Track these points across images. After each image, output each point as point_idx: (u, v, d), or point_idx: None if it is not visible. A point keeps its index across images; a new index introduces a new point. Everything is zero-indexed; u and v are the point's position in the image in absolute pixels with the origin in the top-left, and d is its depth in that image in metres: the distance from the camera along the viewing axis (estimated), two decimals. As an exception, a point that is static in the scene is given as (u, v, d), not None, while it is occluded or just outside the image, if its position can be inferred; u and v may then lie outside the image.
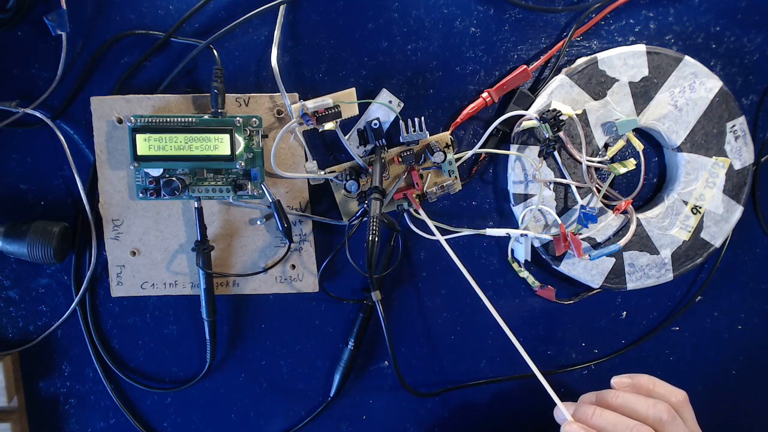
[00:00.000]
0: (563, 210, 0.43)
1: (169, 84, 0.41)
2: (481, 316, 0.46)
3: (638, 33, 0.43)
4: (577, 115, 0.41)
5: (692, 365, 0.49)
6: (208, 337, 0.43)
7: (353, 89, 0.41)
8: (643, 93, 0.42)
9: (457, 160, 0.42)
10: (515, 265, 0.45)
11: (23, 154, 0.42)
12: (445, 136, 0.42)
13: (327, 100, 0.39)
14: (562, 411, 0.39)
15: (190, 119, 0.38)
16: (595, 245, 0.44)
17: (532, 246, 0.44)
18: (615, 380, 0.39)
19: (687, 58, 0.42)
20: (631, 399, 0.37)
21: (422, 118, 0.40)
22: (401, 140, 0.40)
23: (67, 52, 0.40)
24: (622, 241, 0.42)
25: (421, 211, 0.42)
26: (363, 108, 0.42)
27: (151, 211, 0.42)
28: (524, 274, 0.45)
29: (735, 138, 0.43)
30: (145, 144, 0.38)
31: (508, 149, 0.43)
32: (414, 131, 0.40)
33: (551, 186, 0.43)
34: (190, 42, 0.41)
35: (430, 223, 0.42)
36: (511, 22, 0.42)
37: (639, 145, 0.42)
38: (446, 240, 0.44)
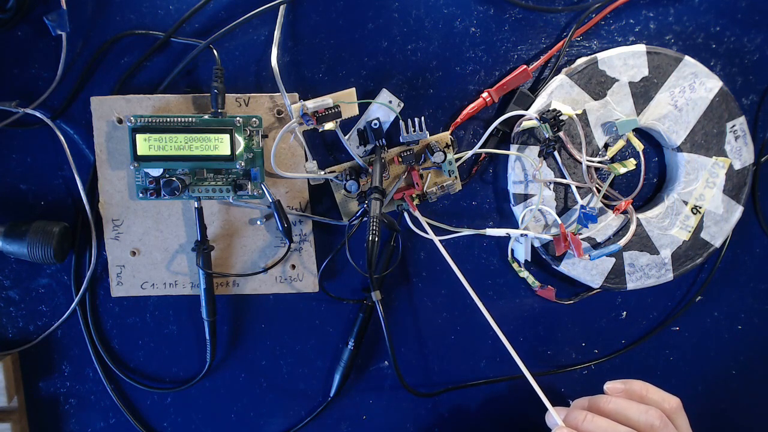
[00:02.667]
0: (563, 210, 0.43)
1: (169, 84, 0.41)
2: (481, 316, 0.46)
3: (638, 33, 0.43)
4: (577, 115, 0.41)
5: (692, 365, 0.49)
6: (208, 337, 0.43)
7: (353, 89, 0.41)
8: (643, 93, 0.42)
9: (457, 160, 0.42)
10: (515, 265, 0.45)
11: (23, 154, 0.42)
12: (445, 136, 0.42)
13: (327, 100, 0.39)
14: (553, 416, 0.38)
15: (190, 119, 0.38)
16: (595, 245, 0.44)
17: (532, 246, 0.44)
18: (608, 386, 0.39)
19: (687, 58, 0.42)
20: (623, 405, 0.37)
21: (422, 118, 0.40)
22: (401, 140, 0.40)
23: (67, 52, 0.40)
24: (622, 241, 0.42)
25: (417, 213, 0.42)
26: (363, 108, 0.42)
27: (151, 211, 0.42)
28: (524, 274, 0.45)
29: (735, 138, 0.43)
30: (145, 144, 0.38)
31: (508, 149, 0.43)
32: (414, 131, 0.40)
33: (551, 186, 0.43)
34: (190, 42, 0.41)
35: (425, 223, 0.42)
36: (511, 22, 0.42)
37: (639, 145, 0.42)
38: (447, 240, 0.44)
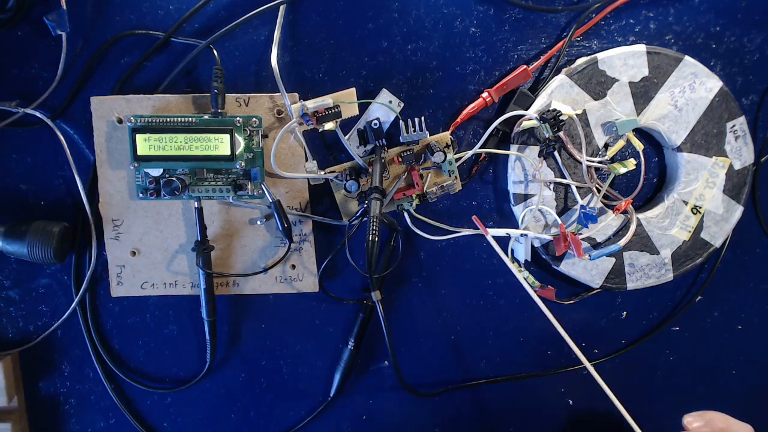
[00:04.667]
0: (563, 210, 0.43)
1: (169, 84, 0.41)
2: (481, 316, 0.46)
3: (638, 33, 0.43)
4: (577, 115, 0.41)
5: (692, 365, 0.49)
6: (208, 337, 0.43)
7: (353, 89, 0.41)
8: (643, 93, 0.42)
9: (457, 160, 0.42)
10: (515, 265, 0.45)
11: (23, 154, 0.42)
12: (445, 136, 0.42)
13: (327, 100, 0.39)
14: None
15: (190, 119, 0.38)
16: (595, 245, 0.44)
17: (532, 246, 0.44)
18: (687, 420, 0.39)
19: (687, 58, 0.42)
20: None
21: (422, 118, 0.40)
22: (401, 140, 0.40)
23: (67, 52, 0.40)
24: (622, 241, 0.42)
25: (482, 227, 0.42)
26: (363, 108, 0.42)
27: (151, 211, 0.42)
28: (524, 274, 0.45)
29: (735, 138, 0.43)
30: (145, 144, 0.38)
31: (508, 149, 0.43)
32: (414, 131, 0.40)
33: (551, 186, 0.43)
34: (190, 42, 0.41)
35: (479, 223, 0.42)
36: (511, 22, 0.42)
37: (639, 145, 0.42)
38: (447, 240, 0.44)
